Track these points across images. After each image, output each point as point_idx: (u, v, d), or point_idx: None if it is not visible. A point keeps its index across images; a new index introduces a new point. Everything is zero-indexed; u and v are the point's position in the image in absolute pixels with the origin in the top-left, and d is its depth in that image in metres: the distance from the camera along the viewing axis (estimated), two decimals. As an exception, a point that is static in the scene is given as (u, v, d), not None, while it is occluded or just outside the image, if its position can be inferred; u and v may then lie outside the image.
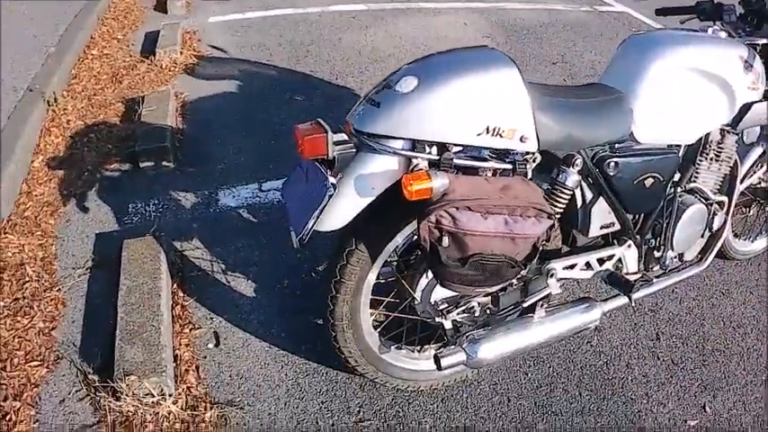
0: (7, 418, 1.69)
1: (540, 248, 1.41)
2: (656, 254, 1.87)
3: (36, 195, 2.59)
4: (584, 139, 1.52)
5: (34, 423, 1.70)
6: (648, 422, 1.79)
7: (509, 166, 1.41)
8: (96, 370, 1.83)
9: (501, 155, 1.41)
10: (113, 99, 3.33)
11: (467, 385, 1.85)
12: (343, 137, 1.33)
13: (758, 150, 2.14)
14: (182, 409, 1.73)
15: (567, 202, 1.58)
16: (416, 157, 1.32)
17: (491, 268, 1.36)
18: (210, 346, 1.96)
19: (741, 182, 2.11)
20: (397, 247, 1.52)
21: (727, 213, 2.00)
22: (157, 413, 1.70)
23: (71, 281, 2.18)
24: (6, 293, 2.08)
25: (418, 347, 1.77)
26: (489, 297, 1.63)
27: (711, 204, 1.89)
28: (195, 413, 1.73)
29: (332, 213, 1.34)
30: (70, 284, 2.17)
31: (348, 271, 1.49)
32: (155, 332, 1.83)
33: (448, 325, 1.62)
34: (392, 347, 1.73)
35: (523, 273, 1.59)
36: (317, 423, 1.72)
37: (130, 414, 1.70)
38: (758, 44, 1.85)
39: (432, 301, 1.60)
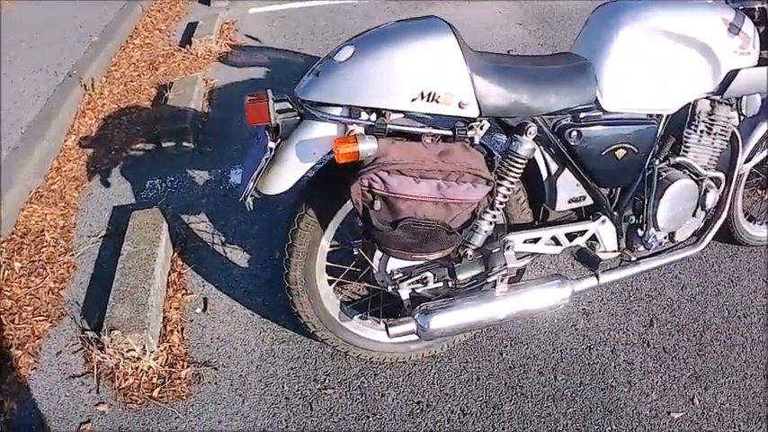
0: (8, 364, 1.90)
1: (479, 216, 1.43)
2: (640, 232, 1.80)
3: (65, 171, 2.84)
4: (535, 106, 1.50)
5: (31, 370, 1.90)
6: (626, 411, 1.74)
7: (449, 132, 1.41)
8: (93, 327, 2.01)
9: (443, 121, 1.43)
10: (148, 85, 3.58)
11: (436, 361, 1.88)
12: (289, 105, 1.39)
13: (764, 125, 2.00)
14: (161, 365, 1.88)
15: (520, 171, 1.56)
16: (352, 123, 1.36)
17: (424, 233, 1.38)
18: (198, 310, 2.10)
19: (748, 160, 2.01)
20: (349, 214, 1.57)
21: (726, 192, 1.90)
22: (137, 367, 1.86)
23: (84, 247, 2.40)
24: (25, 256, 2.31)
25: (385, 319, 1.79)
26: (447, 269, 1.65)
27: (702, 181, 1.79)
28: (172, 370, 1.87)
29: (273, 178, 1.41)
30: (82, 251, 2.38)
31: (299, 235, 1.56)
32: (144, 293, 1.98)
33: (404, 295, 1.65)
34: (355, 316, 1.78)
35: (477, 244, 1.62)
36: (284, 387, 1.81)
37: (114, 366, 1.86)
38: (754, 8, 1.74)
39: (388, 270, 1.65)
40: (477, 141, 1.48)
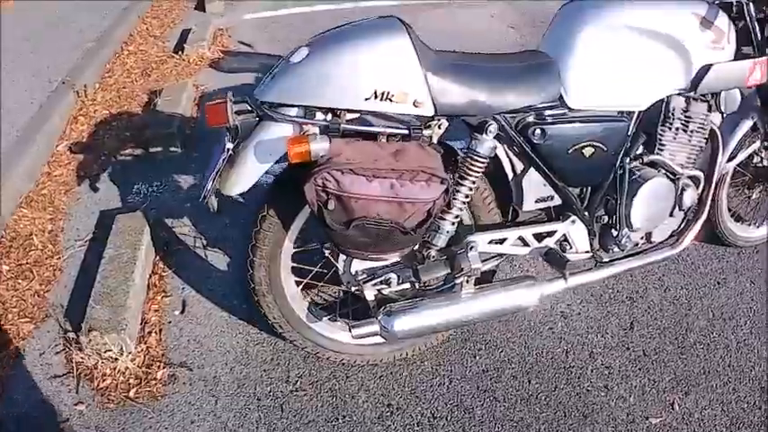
0: (-9, 364, 1.97)
1: (434, 215, 1.43)
2: (613, 233, 1.78)
3: (55, 176, 2.92)
4: (494, 104, 1.50)
5: (13, 370, 1.95)
6: (602, 416, 1.73)
7: (405, 132, 1.42)
8: (74, 328, 2.06)
9: (399, 120, 1.45)
10: (140, 91, 3.66)
11: (408, 363, 1.90)
12: (247, 107, 1.43)
13: (747, 123, 1.98)
14: (138, 366, 1.93)
15: (481, 170, 1.56)
16: (307, 124, 1.39)
17: (378, 233, 1.40)
18: (176, 312, 2.16)
19: (731, 159, 1.98)
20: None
21: (706, 191, 1.88)
22: (115, 368, 1.91)
23: (71, 251, 2.46)
24: (12, 259, 2.38)
25: (350, 320, 1.81)
26: (411, 271, 1.67)
27: (679, 180, 1.77)
28: (149, 371, 1.92)
29: (233, 178, 1.44)
30: (69, 254, 2.44)
31: (262, 236, 1.60)
32: (123, 295, 2.04)
33: (369, 296, 1.69)
34: (324, 318, 1.81)
35: (440, 245, 1.64)
36: (256, 388, 1.85)
37: (93, 367, 1.92)
38: (731, 3, 1.71)
39: (352, 271, 1.68)
40: (435, 140, 1.50)
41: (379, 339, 1.70)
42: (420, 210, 1.40)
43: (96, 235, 2.54)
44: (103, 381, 1.89)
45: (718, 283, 2.19)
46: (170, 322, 2.12)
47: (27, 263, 2.38)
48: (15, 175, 2.74)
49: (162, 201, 2.73)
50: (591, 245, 1.82)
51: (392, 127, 1.43)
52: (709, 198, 1.91)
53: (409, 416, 1.77)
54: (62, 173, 2.95)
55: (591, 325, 2.03)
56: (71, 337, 1.98)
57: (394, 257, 1.54)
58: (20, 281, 2.29)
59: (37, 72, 3.69)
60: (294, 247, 1.69)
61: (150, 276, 2.29)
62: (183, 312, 2.16)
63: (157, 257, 2.39)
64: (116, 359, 1.91)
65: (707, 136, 1.80)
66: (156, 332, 2.06)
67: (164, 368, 1.94)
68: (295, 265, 1.74)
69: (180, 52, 4.02)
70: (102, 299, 2.03)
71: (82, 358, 1.92)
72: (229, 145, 1.43)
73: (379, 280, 1.68)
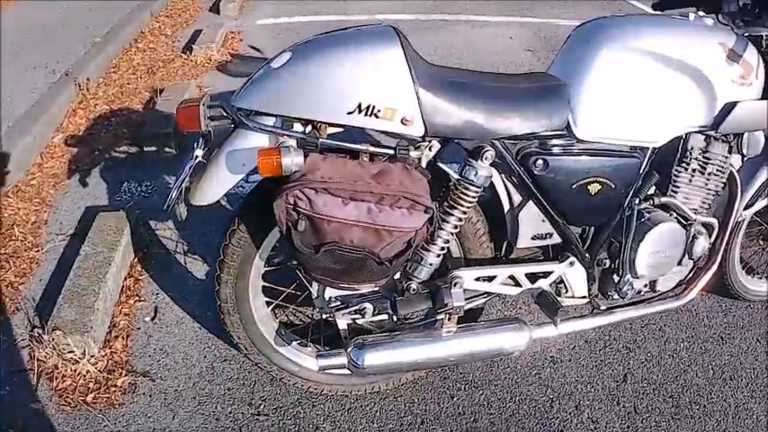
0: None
1: (415, 246, 1.33)
2: (615, 278, 1.65)
3: (46, 167, 2.90)
4: (492, 129, 1.39)
5: (-27, 362, 1.92)
6: None
7: (389, 151, 1.32)
8: (41, 324, 2.01)
9: (386, 139, 1.36)
10: (143, 89, 3.66)
11: (380, 398, 1.82)
12: (222, 112, 1.34)
13: (767, 168, 1.84)
14: (99, 370, 1.88)
15: (473, 200, 1.45)
16: (283, 135, 1.30)
17: (350, 261, 1.29)
18: (147, 319, 2.11)
19: (749, 206, 1.85)
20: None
21: (720, 240, 1.76)
22: (76, 370, 1.86)
23: (51, 245, 2.43)
24: (-10, 246, 2.36)
25: (318, 347, 1.75)
26: (389, 302, 1.57)
27: (691, 226, 1.65)
28: (110, 377, 1.87)
29: (201, 188, 1.37)
30: (48, 248, 2.41)
31: (230, 251, 1.51)
32: (92, 296, 2.00)
33: (342, 325, 1.60)
34: (294, 342, 1.73)
35: (422, 278, 1.54)
36: (217, 408, 1.79)
37: (54, 366, 1.87)
38: (762, 36, 1.58)
39: (326, 296, 1.59)
40: (423, 164, 1.40)
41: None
42: (399, 239, 1.30)
43: (78, 231, 2.50)
44: (63, 382, 1.84)
45: (722, 338, 2.08)
46: (139, 328, 2.07)
47: (5, 253, 2.35)
48: (7, 164, 2.72)
49: (149, 202, 2.70)
50: (589, 290, 1.70)
51: (376, 145, 1.33)
52: (722, 247, 1.78)
53: (373, 454, 1.69)
54: (54, 165, 2.93)
55: (581, 374, 1.92)
56: (37, 334, 1.94)
57: (367, 288, 1.45)
58: (-6, 271, 2.26)
59: (40, 63, 3.71)
60: (265, 266, 1.61)
61: (126, 278, 2.25)
62: (153, 319, 2.11)
63: (136, 259, 2.35)
64: (77, 361, 1.87)
65: (725, 180, 1.68)
66: (123, 337, 2.02)
67: (125, 375, 1.89)
68: (266, 284, 1.67)
69: (188, 52, 4.03)
70: (72, 298, 1.99)
71: (44, 357, 1.88)
72: (198, 152, 1.35)
73: (353, 309, 1.57)
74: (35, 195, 2.70)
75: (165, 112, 3.18)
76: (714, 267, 1.79)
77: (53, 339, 1.87)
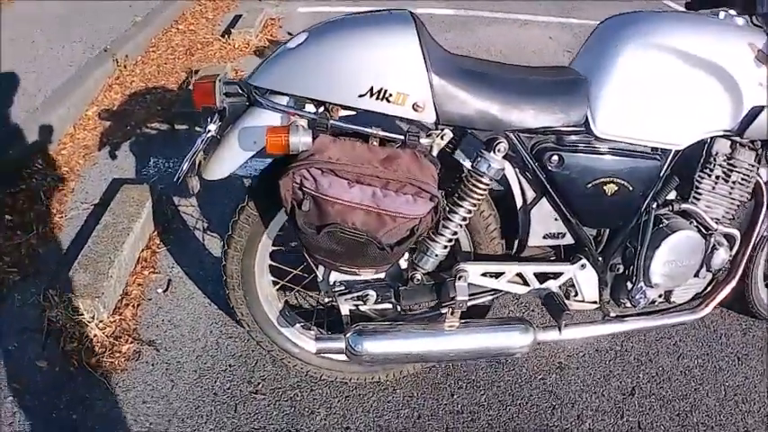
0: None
1: (419, 234, 1.34)
2: (628, 285, 1.61)
3: (78, 138, 3.01)
4: (505, 120, 1.38)
5: (-13, 318, 2.01)
6: None
7: (399, 137, 1.32)
8: (55, 287, 2.10)
9: (397, 124, 1.36)
10: (180, 69, 3.76)
11: (379, 388, 1.84)
12: (238, 90, 1.36)
13: None
14: (106, 335, 1.95)
15: (482, 192, 1.45)
16: (295, 115, 1.32)
17: (351, 244, 1.31)
18: (159, 291, 2.17)
19: None
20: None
21: (741, 253, 1.71)
22: (83, 333, 1.93)
23: (75, 212, 2.53)
24: (17, 210, 2.46)
25: (320, 330, 1.77)
26: (392, 291, 1.59)
27: (711, 236, 1.60)
28: (116, 342, 1.94)
29: (214, 163, 1.41)
30: (72, 215, 2.51)
31: (238, 227, 1.55)
32: (107, 264, 2.07)
33: (344, 310, 1.61)
34: (297, 324, 1.75)
35: (427, 269, 1.54)
36: (215, 383, 1.84)
37: (63, 327, 1.94)
38: None
39: (331, 280, 1.61)
40: (435, 152, 1.41)
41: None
42: (402, 225, 1.30)
43: (103, 201, 2.59)
44: (70, 343, 1.91)
45: (739, 358, 2.03)
46: (150, 299, 2.14)
47: (30, 217, 2.44)
48: (40, 132, 2.83)
49: (178, 184, 2.77)
50: (600, 295, 1.66)
51: (386, 130, 1.33)
52: (744, 262, 1.72)
53: (364, 445, 1.71)
54: (85, 136, 3.04)
55: (587, 383, 1.90)
56: (50, 295, 2.01)
57: (368, 274, 1.46)
58: (18, 232, 2.36)
59: (81, 38, 3.84)
60: (273, 246, 1.64)
61: (143, 250, 2.32)
62: (165, 291, 2.17)
63: (155, 232, 2.42)
64: (86, 325, 1.94)
65: (750, 190, 1.63)
66: (133, 306, 2.09)
67: (131, 343, 1.95)
68: (274, 264, 1.71)
69: (227, 36, 4.12)
70: (87, 263, 2.07)
71: (54, 317, 1.95)
72: (211, 126, 1.39)
73: (355, 295, 1.58)
74: (64, 164, 2.81)
75: (198, 93, 3.26)
76: (733, 282, 1.74)
77: (65, 301, 1.94)
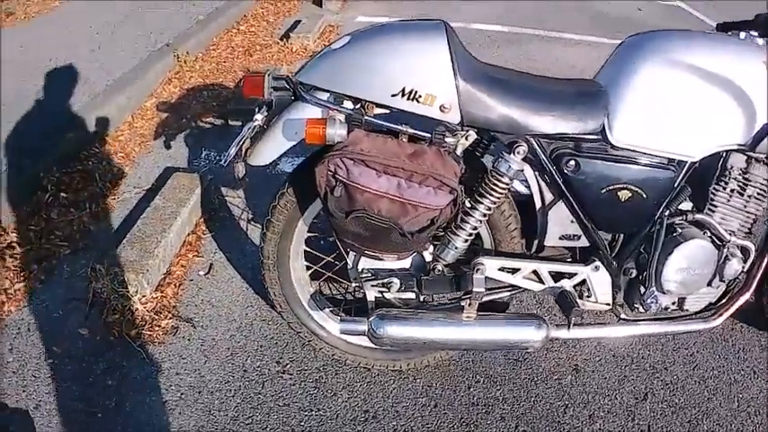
0: (22, 274, 2.20)
1: (438, 225, 1.45)
2: (641, 290, 1.70)
3: (135, 126, 3.22)
4: (526, 124, 1.49)
5: (40, 284, 2.19)
6: None
7: (426, 134, 1.43)
8: (102, 262, 2.26)
9: (424, 123, 1.47)
10: (238, 68, 3.97)
11: (400, 376, 1.94)
12: (285, 84, 1.52)
13: None
14: (147, 310, 2.09)
15: (502, 191, 1.56)
16: (333, 110, 1.45)
17: (376, 229, 1.42)
18: (201, 273, 2.32)
19: None
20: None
21: (756, 266, 1.74)
22: (126, 306, 2.08)
23: (126, 195, 2.72)
24: (72, 188, 2.66)
25: (343, 313, 1.88)
26: (415, 280, 1.70)
27: (724, 246, 1.65)
28: (156, 317, 2.08)
29: (258, 150, 1.55)
30: (123, 197, 2.69)
31: (277, 212, 1.70)
32: (154, 243, 2.22)
33: (370, 296, 1.73)
34: (326, 309, 1.88)
35: (448, 260, 1.65)
36: (246, 360, 1.96)
37: (107, 299, 2.10)
38: None
39: (359, 267, 1.73)
40: (459, 151, 1.52)
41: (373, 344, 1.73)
42: (423, 215, 1.42)
43: (154, 187, 2.77)
44: (112, 315, 2.06)
45: (755, 372, 2.05)
46: (192, 280, 2.28)
47: (84, 196, 2.64)
48: (99, 117, 3.04)
49: (224, 170, 2.93)
50: (613, 298, 1.74)
51: (415, 128, 1.45)
52: (759, 275, 1.75)
53: (382, 427, 1.80)
54: (143, 125, 3.25)
55: (602, 385, 1.97)
56: (97, 268, 2.17)
57: (390, 259, 1.57)
58: (72, 209, 2.55)
59: (144, 33, 4.11)
60: (308, 232, 1.78)
61: (189, 234, 2.47)
62: (207, 274, 2.31)
63: (202, 219, 2.57)
64: (129, 298, 2.09)
65: (766, 205, 1.68)
66: (175, 285, 2.23)
67: (170, 319, 2.09)
68: (308, 249, 1.84)
69: (285, 40, 4.31)
70: (135, 241, 2.22)
71: (99, 289, 2.11)
72: (258, 116, 1.53)
73: (380, 281, 1.72)
74: (120, 150, 3.01)
75: (253, 91, 3.43)
76: (747, 294, 1.77)
77: (111, 274, 2.09)
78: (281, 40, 4.41)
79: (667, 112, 1.53)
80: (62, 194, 2.60)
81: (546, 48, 4.82)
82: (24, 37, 3.99)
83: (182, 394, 1.84)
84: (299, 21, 4.66)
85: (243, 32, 4.52)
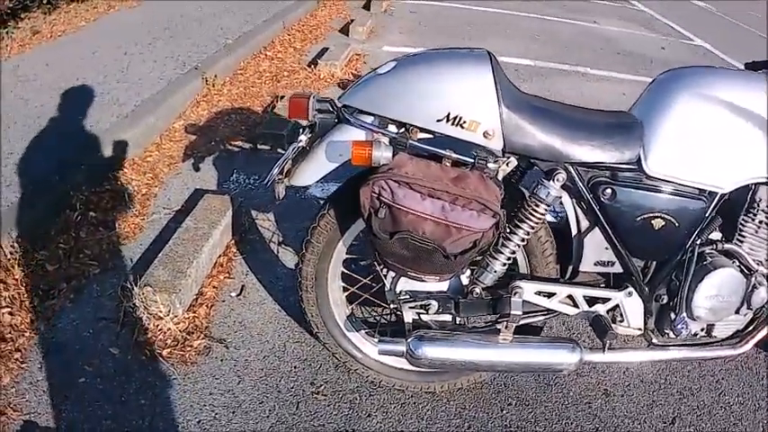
0: (51, 292, 2.26)
1: (480, 247, 1.51)
2: (671, 316, 1.78)
3: (164, 148, 3.32)
4: (565, 153, 1.58)
5: (70, 303, 2.25)
6: None
7: (469, 160, 1.52)
8: (133, 281, 2.31)
9: (468, 148, 1.56)
10: (266, 93, 4.09)
11: (434, 398, 2.00)
12: (329, 107, 1.60)
13: None
14: (179, 330, 2.15)
15: (540, 217, 1.64)
16: (378, 133, 1.54)
17: (419, 250, 1.49)
18: (233, 294, 2.38)
19: None
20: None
21: None
22: (158, 326, 2.14)
23: (156, 216, 2.80)
24: (101, 208, 2.74)
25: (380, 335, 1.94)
26: (453, 302, 1.77)
27: (753, 275, 1.75)
28: (188, 337, 2.13)
29: (301, 171, 1.62)
30: (153, 218, 2.77)
31: (317, 233, 1.77)
32: (186, 263, 2.29)
33: (408, 318, 1.78)
34: (362, 330, 1.94)
35: (486, 283, 1.72)
36: (280, 381, 2.02)
37: (138, 319, 2.15)
38: None
39: (397, 289, 1.79)
40: (500, 177, 1.60)
41: (409, 365, 1.81)
42: (466, 238, 1.49)
43: (184, 208, 2.85)
44: (144, 334, 2.12)
45: None
46: (224, 301, 2.34)
47: (113, 215, 2.72)
48: (126, 138, 3.14)
49: (255, 193, 3.03)
50: (645, 323, 1.83)
51: (458, 153, 1.53)
52: None
53: (417, 449, 1.84)
54: (171, 147, 3.35)
55: (631, 410, 2.05)
56: (128, 288, 2.23)
57: (432, 280, 1.63)
58: (101, 228, 2.63)
59: (172, 55, 4.26)
60: (347, 253, 1.85)
61: (220, 256, 2.54)
62: (239, 295, 2.37)
63: (233, 241, 2.64)
64: (161, 318, 2.14)
65: None
66: (207, 306, 2.29)
67: (202, 339, 2.14)
68: (345, 271, 1.91)
69: (313, 66, 4.43)
70: (167, 261, 2.29)
71: (131, 309, 2.17)
72: (302, 137, 1.62)
73: (419, 303, 1.78)
74: (149, 171, 3.10)
75: (283, 117, 3.53)
76: None
77: (143, 294, 2.15)
78: (309, 66, 4.54)
79: (700, 145, 1.63)
80: (91, 213, 2.69)
81: (570, 81, 4.97)
82: (50, 55, 4.13)
83: (216, 414, 1.87)
84: (327, 48, 4.80)
85: (270, 58, 4.66)
